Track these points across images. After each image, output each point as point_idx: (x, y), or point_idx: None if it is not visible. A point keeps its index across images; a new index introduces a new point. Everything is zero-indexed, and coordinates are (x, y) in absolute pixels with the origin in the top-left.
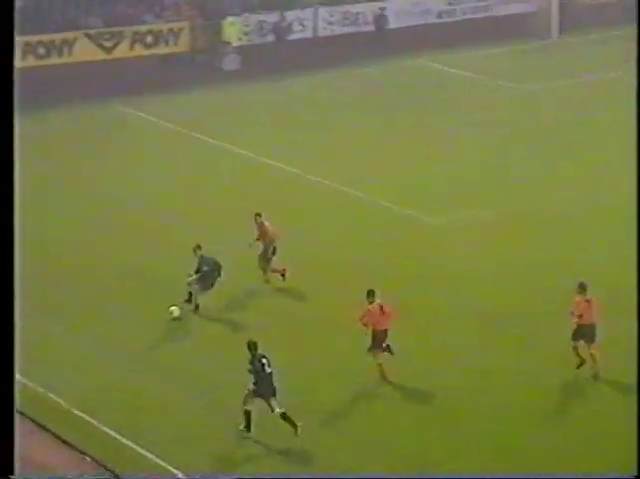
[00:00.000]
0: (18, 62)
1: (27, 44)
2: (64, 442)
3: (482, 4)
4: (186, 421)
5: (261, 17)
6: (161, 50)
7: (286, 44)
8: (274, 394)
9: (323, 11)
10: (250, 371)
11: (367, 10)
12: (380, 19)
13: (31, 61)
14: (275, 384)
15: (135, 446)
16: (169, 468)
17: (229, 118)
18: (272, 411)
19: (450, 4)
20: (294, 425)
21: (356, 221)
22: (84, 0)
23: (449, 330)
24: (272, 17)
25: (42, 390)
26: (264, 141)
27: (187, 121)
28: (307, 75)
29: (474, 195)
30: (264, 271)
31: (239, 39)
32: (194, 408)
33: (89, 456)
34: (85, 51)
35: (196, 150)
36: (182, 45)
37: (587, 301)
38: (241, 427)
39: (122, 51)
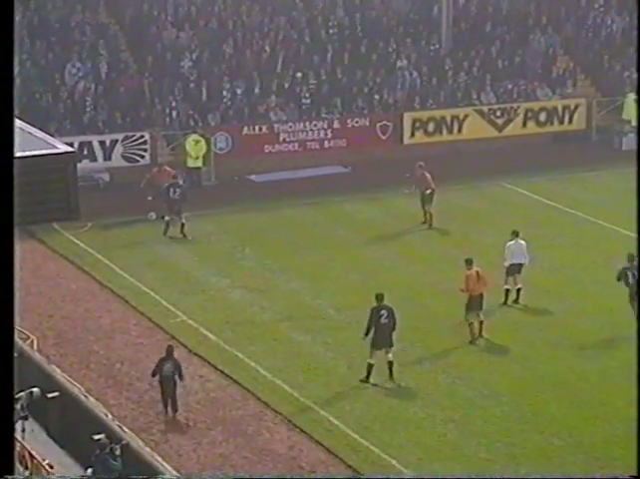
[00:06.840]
0: (407, 139)
1: (417, 120)
2: None
3: None
4: None
5: None
6: (555, 128)
7: None
8: (390, 346)
9: None
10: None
11: None
12: None
13: (420, 137)
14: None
15: None
16: None
17: (626, 201)
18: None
19: None
20: (391, 374)
21: None
22: (475, 75)
23: None
24: None
25: None
26: None
27: (580, 202)
28: None
29: None
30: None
31: None
32: None
33: None
34: (475, 128)
35: (587, 232)
36: (577, 123)
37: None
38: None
39: (513, 128)
